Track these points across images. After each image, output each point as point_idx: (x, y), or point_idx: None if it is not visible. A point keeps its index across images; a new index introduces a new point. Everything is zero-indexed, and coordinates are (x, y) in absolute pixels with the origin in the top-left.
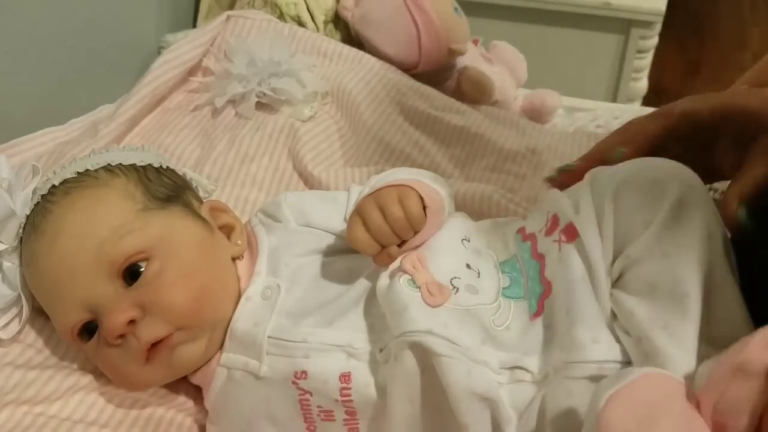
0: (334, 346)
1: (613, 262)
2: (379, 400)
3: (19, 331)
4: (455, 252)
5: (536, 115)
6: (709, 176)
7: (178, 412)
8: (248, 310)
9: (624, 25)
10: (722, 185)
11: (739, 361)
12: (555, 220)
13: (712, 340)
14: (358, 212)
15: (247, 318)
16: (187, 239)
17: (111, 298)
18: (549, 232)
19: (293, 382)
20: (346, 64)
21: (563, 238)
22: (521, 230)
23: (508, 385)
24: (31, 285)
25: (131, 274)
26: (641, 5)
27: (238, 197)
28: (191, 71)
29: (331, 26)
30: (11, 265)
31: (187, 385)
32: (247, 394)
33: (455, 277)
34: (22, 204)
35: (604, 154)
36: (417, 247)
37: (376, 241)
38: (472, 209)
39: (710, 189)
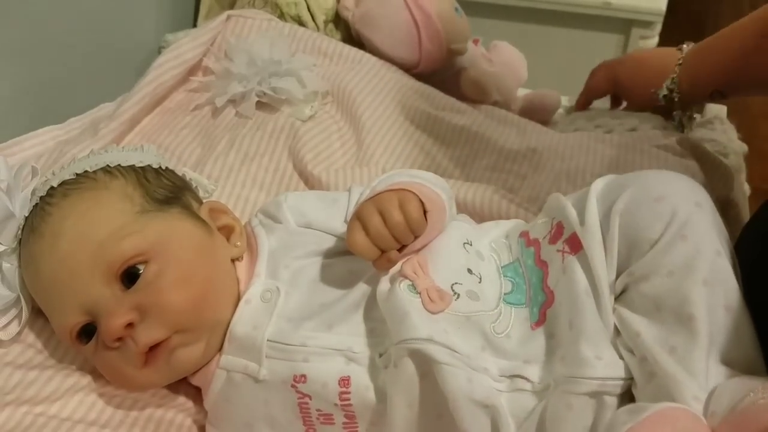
0: (334, 350)
1: (617, 277)
2: (379, 405)
3: (19, 332)
4: (457, 257)
5: (536, 115)
6: None
7: (178, 412)
8: (247, 313)
9: (624, 25)
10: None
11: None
12: (559, 228)
13: (721, 360)
14: (358, 217)
15: (247, 321)
16: (185, 241)
17: (109, 301)
18: (553, 240)
19: (292, 386)
20: (346, 63)
21: (567, 248)
22: (525, 234)
23: (508, 393)
24: (29, 287)
25: (129, 276)
26: (641, 5)
27: (238, 197)
28: (191, 71)
29: (331, 26)
30: (10, 266)
31: (186, 386)
32: (246, 396)
33: (456, 283)
34: (20, 205)
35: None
36: (418, 251)
37: (375, 246)
38: (473, 210)
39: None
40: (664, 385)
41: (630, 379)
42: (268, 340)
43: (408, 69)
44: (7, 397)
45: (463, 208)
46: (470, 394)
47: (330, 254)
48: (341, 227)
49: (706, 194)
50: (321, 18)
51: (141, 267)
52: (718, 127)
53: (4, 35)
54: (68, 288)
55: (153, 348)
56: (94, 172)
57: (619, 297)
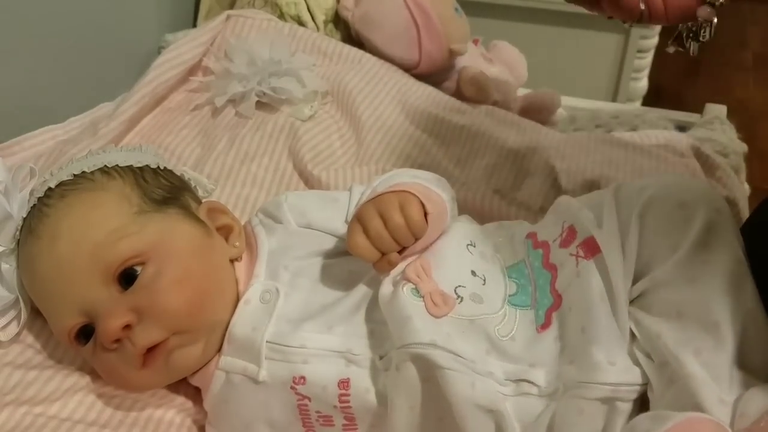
0: (334, 352)
1: (633, 282)
2: (379, 407)
3: (18, 333)
4: (460, 259)
5: (536, 115)
6: None
7: (178, 412)
8: (247, 314)
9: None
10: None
11: None
12: (572, 232)
13: (744, 365)
14: (359, 218)
15: (246, 322)
16: (183, 242)
17: (106, 302)
18: (565, 244)
19: (292, 388)
20: (346, 63)
21: (581, 252)
22: (532, 236)
23: (514, 398)
24: (27, 288)
25: (127, 278)
26: None
27: (238, 196)
28: (191, 71)
29: (331, 26)
30: (9, 267)
31: (186, 386)
32: (245, 398)
33: (460, 286)
34: (19, 206)
35: None
36: (419, 252)
37: (376, 248)
38: (473, 209)
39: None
40: (687, 389)
41: (644, 385)
42: (267, 342)
43: (408, 69)
44: (6, 397)
45: (463, 207)
46: (474, 399)
47: (330, 255)
48: (342, 227)
49: (723, 200)
50: (321, 18)
51: (138, 268)
52: (718, 127)
53: (4, 35)
54: (65, 289)
55: (151, 349)
56: (92, 172)
57: (636, 302)
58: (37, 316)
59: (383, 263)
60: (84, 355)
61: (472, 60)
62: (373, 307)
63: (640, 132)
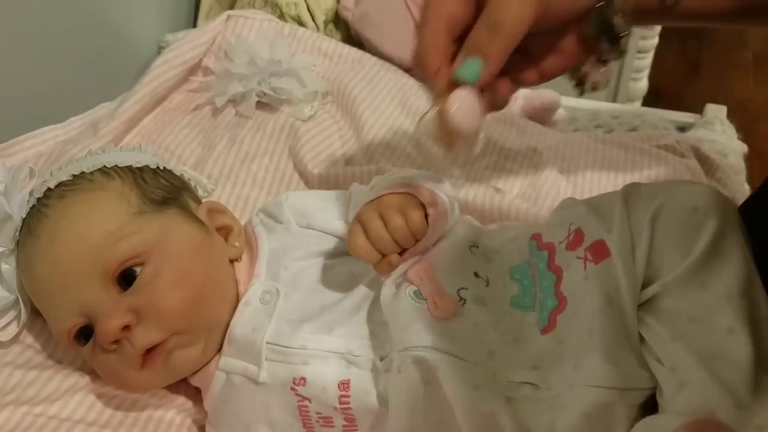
0: (334, 353)
1: (643, 286)
2: (379, 409)
3: (18, 334)
4: (463, 261)
5: (536, 115)
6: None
7: (178, 412)
8: (247, 315)
9: None
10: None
11: None
12: (579, 235)
13: (765, 369)
14: (359, 220)
15: (246, 323)
16: (182, 243)
17: (105, 303)
18: (571, 247)
19: (292, 389)
20: (346, 63)
21: (590, 256)
22: (537, 237)
23: (516, 401)
24: (27, 288)
25: (126, 278)
26: None
27: (238, 197)
28: (191, 71)
29: (331, 26)
30: (9, 267)
31: (186, 386)
32: (245, 399)
33: (462, 288)
34: (18, 206)
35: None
36: (419, 254)
37: (376, 250)
38: (473, 209)
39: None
40: (700, 393)
41: (652, 389)
42: (267, 343)
43: (408, 69)
44: (6, 397)
45: (463, 207)
46: (476, 402)
47: (330, 255)
48: (342, 228)
49: (734, 206)
50: (321, 18)
51: (137, 269)
52: (718, 127)
53: (4, 34)
54: (64, 290)
55: (150, 350)
56: (91, 173)
57: (645, 306)
58: (36, 317)
59: (383, 265)
60: (83, 355)
61: None
62: (373, 308)
63: (640, 132)
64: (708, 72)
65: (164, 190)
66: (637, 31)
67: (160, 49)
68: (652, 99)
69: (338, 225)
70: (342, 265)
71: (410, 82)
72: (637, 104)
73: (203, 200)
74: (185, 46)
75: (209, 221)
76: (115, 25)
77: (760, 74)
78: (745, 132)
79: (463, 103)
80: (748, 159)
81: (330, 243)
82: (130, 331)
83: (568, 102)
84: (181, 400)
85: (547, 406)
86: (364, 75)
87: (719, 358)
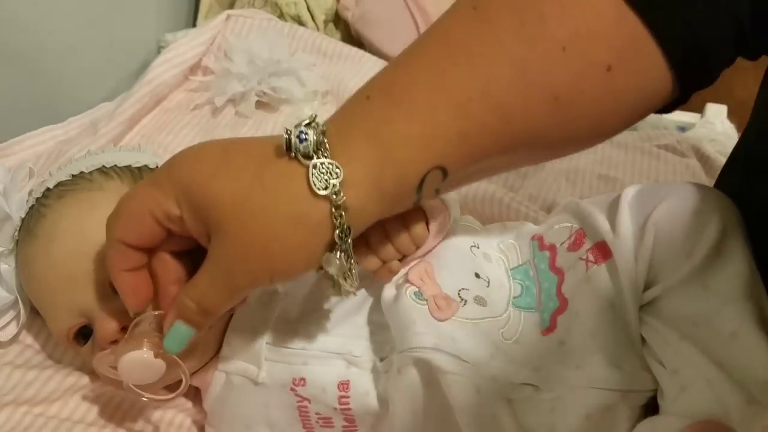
0: (333, 354)
1: (645, 287)
2: (379, 409)
3: (17, 334)
4: (463, 261)
5: None
6: None
7: (178, 412)
8: (246, 316)
9: None
10: None
11: None
12: (581, 236)
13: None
14: None
15: (245, 323)
16: None
17: (103, 304)
18: (573, 248)
19: (291, 389)
20: (346, 63)
21: (592, 257)
22: (538, 238)
23: (518, 402)
24: (26, 288)
25: None
26: None
27: None
28: (191, 70)
29: (331, 25)
30: (8, 267)
31: None
32: (245, 399)
33: (463, 289)
34: (17, 206)
35: None
36: (419, 257)
37: (376, 257)
38: (474, 209)
39: None
40: (708, 394)
41: (653, 391)
42: (266, 343)
43: None
44: (6, 397)
45: (463, 207)
46: (477, 404)
47: None
48: None
49: (736, 208)
50: (321, 18)
51: None
52: (718, 126)
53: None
54: (63, 290)
55: None
56: (90, 173)
57: (647, 308)
58: (36, 317)
59: (384, 272)
60: (82, 355)
61: None
62: (373, 308)
63: (641, 132)
64: None
65: None
66: None
67: (159, 49)
68: None
69: None
70: None
71: None
72: None
73: None
74: (185, 46)
75: None
76: (115, 25)
77: (760, 74)
78: None
79: (134, 368)
80: None
81: None
82: None
83: None
84: (180, 400)
85: (548, 408)
86: (363, 75)
87: (725, 361)
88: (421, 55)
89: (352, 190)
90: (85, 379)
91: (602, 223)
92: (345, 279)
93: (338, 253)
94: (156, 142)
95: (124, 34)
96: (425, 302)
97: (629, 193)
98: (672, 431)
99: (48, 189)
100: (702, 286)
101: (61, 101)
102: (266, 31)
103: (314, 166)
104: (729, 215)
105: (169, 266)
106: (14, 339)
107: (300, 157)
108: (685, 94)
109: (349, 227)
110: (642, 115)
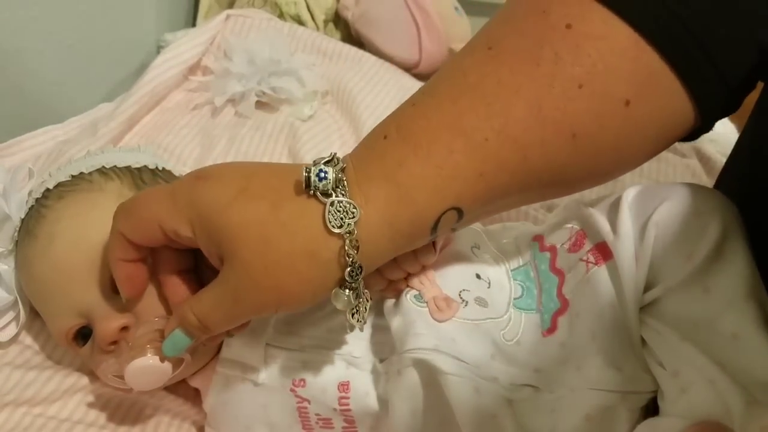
0: (334, 355)
1: (646, 289)
2: (379, 410)
3: (17, 334)
4: (464, 262)
5: None
6: None
7: (178, 412)
8: None
9: None
10: None
11: None
12: (581, 237)
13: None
14: None
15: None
16: None
17: (103, 304)
18: (574, 249)
19: (291, 390)
20: (346, 63)
21: (592, 258)
22: (539, 238)
23: (518, 403)
24: (25, 289)
25: None
26: None
27: None
28: (191, 70)
29: (331, 25)
30: (7, 268)
31: (186, 387)
32: (245, 400)
33: (464, 290)
34: (17, 207)
35: None
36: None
37: (383, 277)
38: None
39: None
40: (709, 395)
41: (654, 392)
42: (266, 344)
43: (408, 69)
44: (5, 397)
45: None
46: (477, 405)
47: None
48: None
49: (737, 209)
50: (321, 17)
51: None
52: (719, 126)
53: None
54: (62, 291)
55: None
56: (90, 173)
57: (648, 309)
58: (35, 317)
59: (390, 290)
60: (82, 356)
61: None
62: (374, 310)
63: None
64: None
65: None
66: None
67: (159, 49)
68: None
69: None
70: None
71: (410, 83)
72: None
73: None
74: (184, 46)
75: None
76: (114, 24)
77: None
78: None
79: (141, 374)
80: None
81: None
82: (129, 333)
83: None
84: (180, 400)
85: (548, 409)
86: (363, 75)
87: (726, 362)
88: (438, 96)
89: (366, 230)
90: (85, 380)
91: (603, 223)
92: (352, 315)
93: (347, 290)
94: (156, 142)
95: (124, 34)
96: (425, 305)
97: (630, 194)
98: None
99: (48, 189)
100: (703, 287)
101: (61, 101)
102: (266, 30)
103: (332, 204)
104: (729, 216)
105: (171, 259)
106: (14, 339)
107: (318, 195)
108: (707, 123)
109: (360, 266)
110: (665, 146)
